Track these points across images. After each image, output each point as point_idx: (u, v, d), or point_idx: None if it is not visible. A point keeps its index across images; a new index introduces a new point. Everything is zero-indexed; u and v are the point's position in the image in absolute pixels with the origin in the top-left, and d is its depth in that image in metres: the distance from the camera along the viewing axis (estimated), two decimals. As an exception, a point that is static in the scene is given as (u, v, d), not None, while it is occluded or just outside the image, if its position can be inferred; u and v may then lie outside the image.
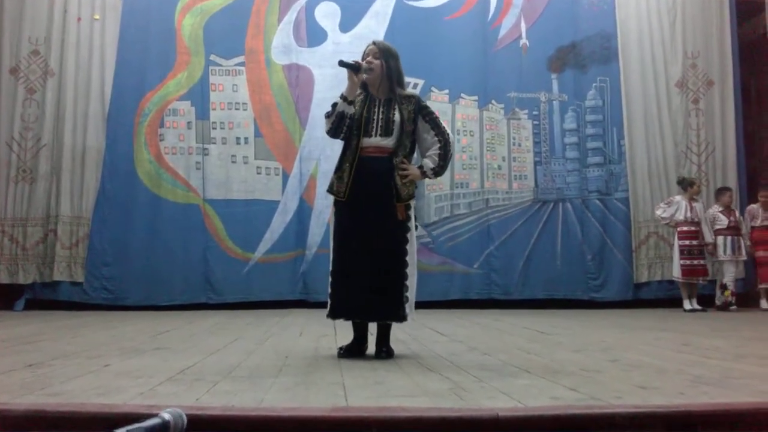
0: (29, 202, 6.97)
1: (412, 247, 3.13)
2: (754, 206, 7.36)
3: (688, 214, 6.91)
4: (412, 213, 3.16)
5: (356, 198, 3.09)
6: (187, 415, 1.30)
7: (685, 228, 6.92)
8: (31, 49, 7.14)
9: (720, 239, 7.05)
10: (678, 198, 7.02)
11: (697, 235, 6.93)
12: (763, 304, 7.02)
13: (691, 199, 6.97)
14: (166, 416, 1.22)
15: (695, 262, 6.85)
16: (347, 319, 3.18)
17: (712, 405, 1.92)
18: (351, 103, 3.12)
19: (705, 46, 7.79)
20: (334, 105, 3.14)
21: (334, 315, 3.16)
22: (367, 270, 3.04)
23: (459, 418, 1.74)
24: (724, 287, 6.97)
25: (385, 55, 3.17)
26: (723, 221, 7.07)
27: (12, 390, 2.15)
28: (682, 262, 6.84)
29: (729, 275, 6.99)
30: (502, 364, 2.85)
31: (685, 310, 6.73)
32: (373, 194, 3.08)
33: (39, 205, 6.96)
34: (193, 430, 1.46)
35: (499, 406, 1.88)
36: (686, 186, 7.01)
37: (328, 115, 3.17)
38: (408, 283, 3.08)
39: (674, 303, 7.02)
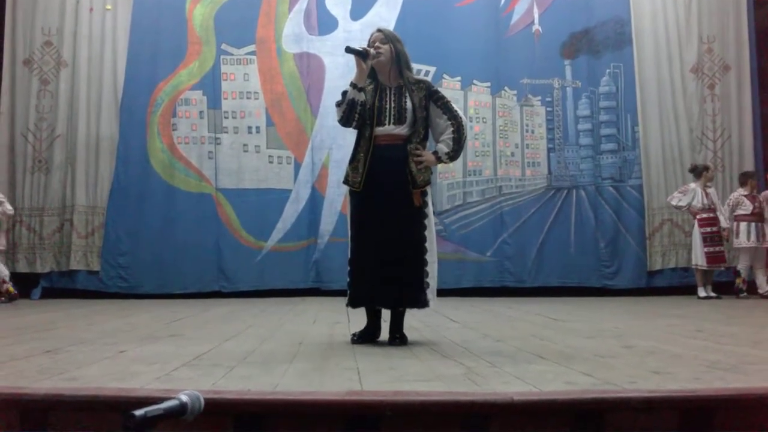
0: (45, 192, 7.05)
1: (430, 234, 3.12)
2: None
3: (705, 201, 6.83)
4: (428, 199, 3.16)
5: (372, 187, 3.08)
6: (204, 399, 1.31)
7: (704, 215, 6.82)
8: (44, 40, 7.18)
9: (743, 225, 6.91)
10: (693, 185, 6.93)
11: (714, 221, 6.84)
12: (763, 286, 6.88)
13: (705, 186, 6.90)
14: (184, 398, 1.23)
15: (717, 249, 6.77)
16: (368, 307, 3.17)
17: (728, 390, 1.91)
18: (361, 90, 3.11)
19: (721, 31, 7.66)
20: (344, 93, 3.13)
21: (353, 304, 3.16)
22: (387, 259, 3.04)
23: (473, 402, 1.74)
24: (738, 273, 6.90)
25: (391, 40, 3.17)
26: (747, 207, 6.93)
27: (30, 375, 2.19)
28: (706, 249, 6.73)
29: (743, 262, 6.91)
30: (516, 351, 2.84)
31: (699, 297, 6.68)
32: (389, 183, 3.07)
33: (55, 195, 7.04)
34: (211, 413, 1.47)
35: (513, 390, 1.88)
36: (700, 173, 6.92)
37: (338, 104, 3.17)
38: (428, 269, 3.08)
39: (688, 290, 6.96)
